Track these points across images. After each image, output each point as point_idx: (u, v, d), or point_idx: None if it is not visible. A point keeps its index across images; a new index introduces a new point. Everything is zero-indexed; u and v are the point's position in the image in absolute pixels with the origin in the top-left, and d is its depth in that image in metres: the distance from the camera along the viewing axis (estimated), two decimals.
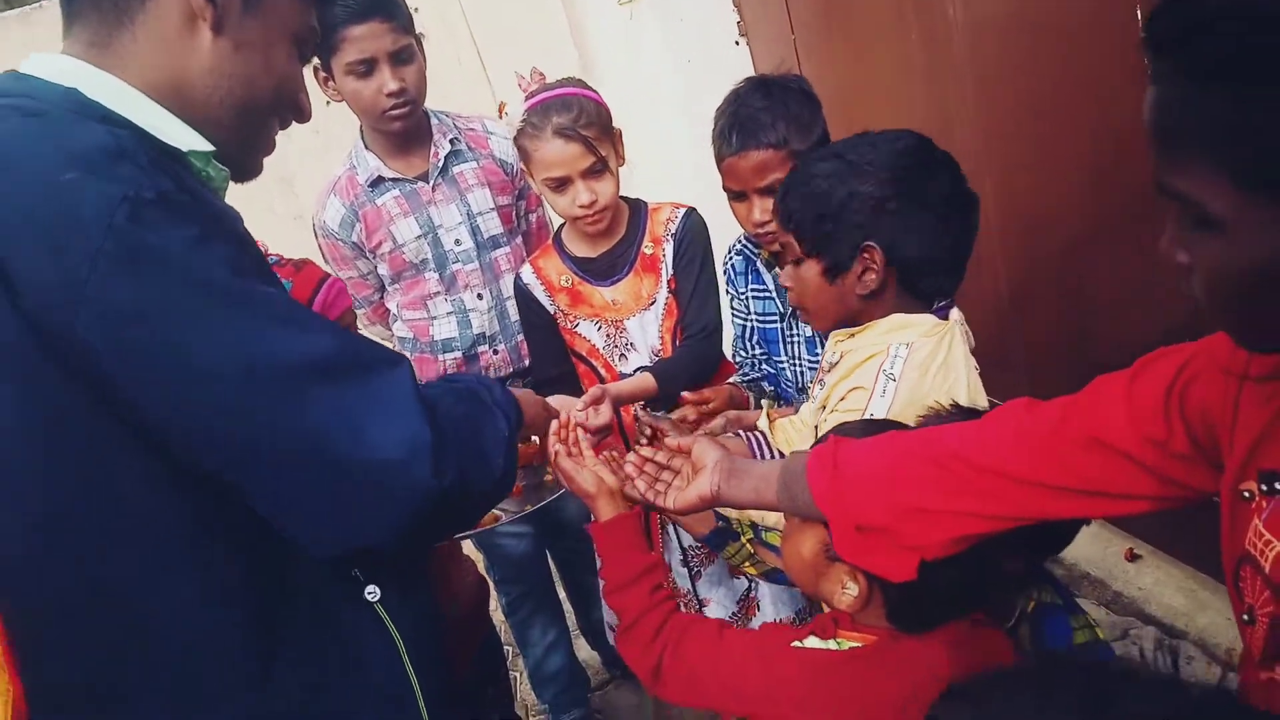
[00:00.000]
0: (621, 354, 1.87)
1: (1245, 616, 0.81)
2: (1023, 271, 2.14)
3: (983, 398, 1.31)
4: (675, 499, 1.15)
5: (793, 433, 1.48)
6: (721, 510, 1.37)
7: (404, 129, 1.97)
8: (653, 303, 1.83)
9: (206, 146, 0.94)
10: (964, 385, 1.29)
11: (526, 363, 2.19)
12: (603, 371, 1.88)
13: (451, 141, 2.05)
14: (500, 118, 1.82)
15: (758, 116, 1.52)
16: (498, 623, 2.84)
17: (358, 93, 1.88)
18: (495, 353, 2.14)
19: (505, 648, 2.76)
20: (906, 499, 0.96)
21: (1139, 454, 0.87)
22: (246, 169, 1.04)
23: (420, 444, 0.86)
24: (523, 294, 1.90)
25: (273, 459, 0.83)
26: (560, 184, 1.72)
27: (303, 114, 1.05)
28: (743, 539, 1.42)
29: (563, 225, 1.91)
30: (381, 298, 2.16)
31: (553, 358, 1.92)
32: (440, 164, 2.02)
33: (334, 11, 1.81)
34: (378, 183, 2.00)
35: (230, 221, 0.90)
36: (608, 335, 1.86)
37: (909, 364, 1.26)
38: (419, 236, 2.02)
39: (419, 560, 1.11)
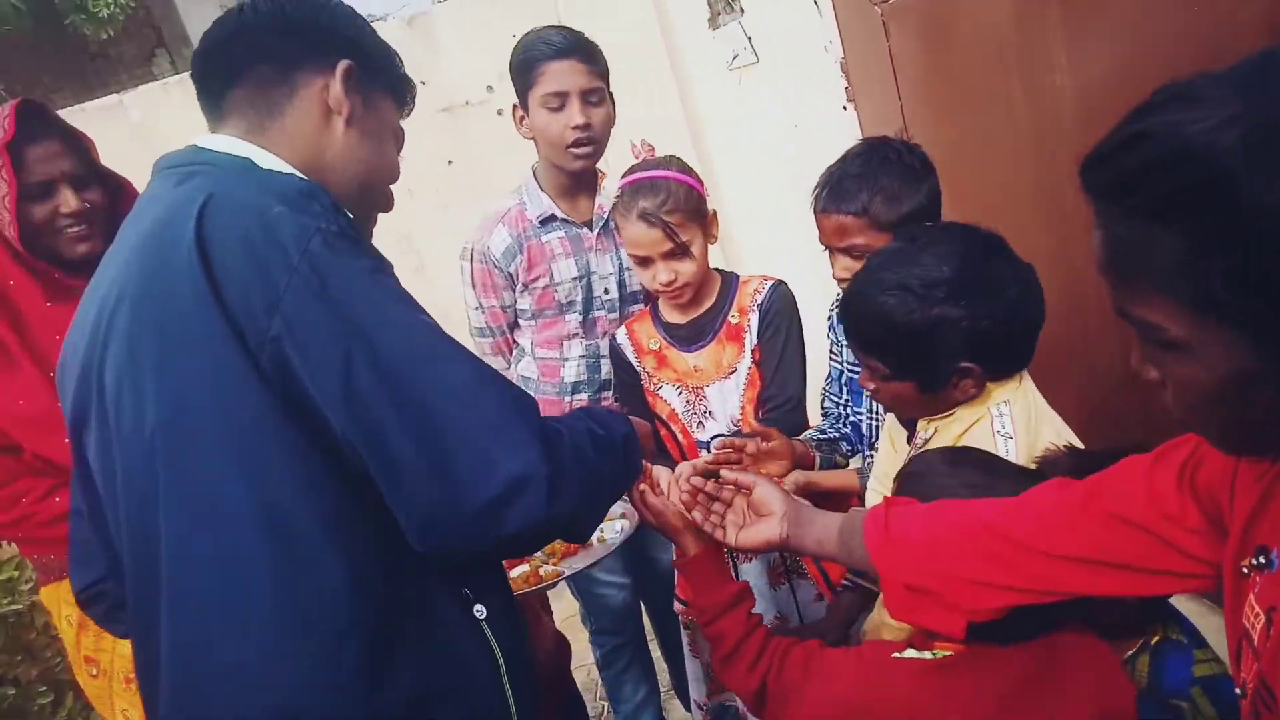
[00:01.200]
0: (699, 421, 1.91)
1: (1238, 690, 0.82)
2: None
3: (1072, 436, 1.34)
4: (739, 537, 1.25)
5: None
6: None
7: (584, 169, 2.08)
8: (733, 371, 1.87)
9: (349, 213, 1.12)
10: (1060, 426, 1.34)
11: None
12: (680, 437, 1.93)
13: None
14: (600, 186, 1.91)
15: (846, 182, 1.58)
16: (589, 679, 2.86)
17: (548, 125, 2.00)
18: (617, 400, 2.22)
19: (601, 703, 2.78)
20: (948, 567, 1.01)
21: (1158, 529, 0.90)
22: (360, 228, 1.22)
23: (537, 476, 0.95)
24: (615, 353, 2.00)
25: (406, 456, 0.93)
26: (643, 261, 1.82)
27: (389, 204, 1.25)
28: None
29: None
30: (512, 333, 2.25)
31: (641, 414, 1.95)
32: (604, 217, 2.13)
33: (538, 48, 1.97)
34: (548, 220, 2.12)
35: (388, 264, 1.05)
36: (688, 401, 1.90)
37: (1016, 420, 1.31)
38: (575, 279, 2.13)
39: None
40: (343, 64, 1.13)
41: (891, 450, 1.51)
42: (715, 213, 1.88)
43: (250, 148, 1.08)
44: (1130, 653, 1.27)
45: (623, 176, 1.85)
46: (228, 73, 1.13)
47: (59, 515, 1.66)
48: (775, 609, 1.92)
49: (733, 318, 1.90)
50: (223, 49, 1.14)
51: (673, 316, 1.94)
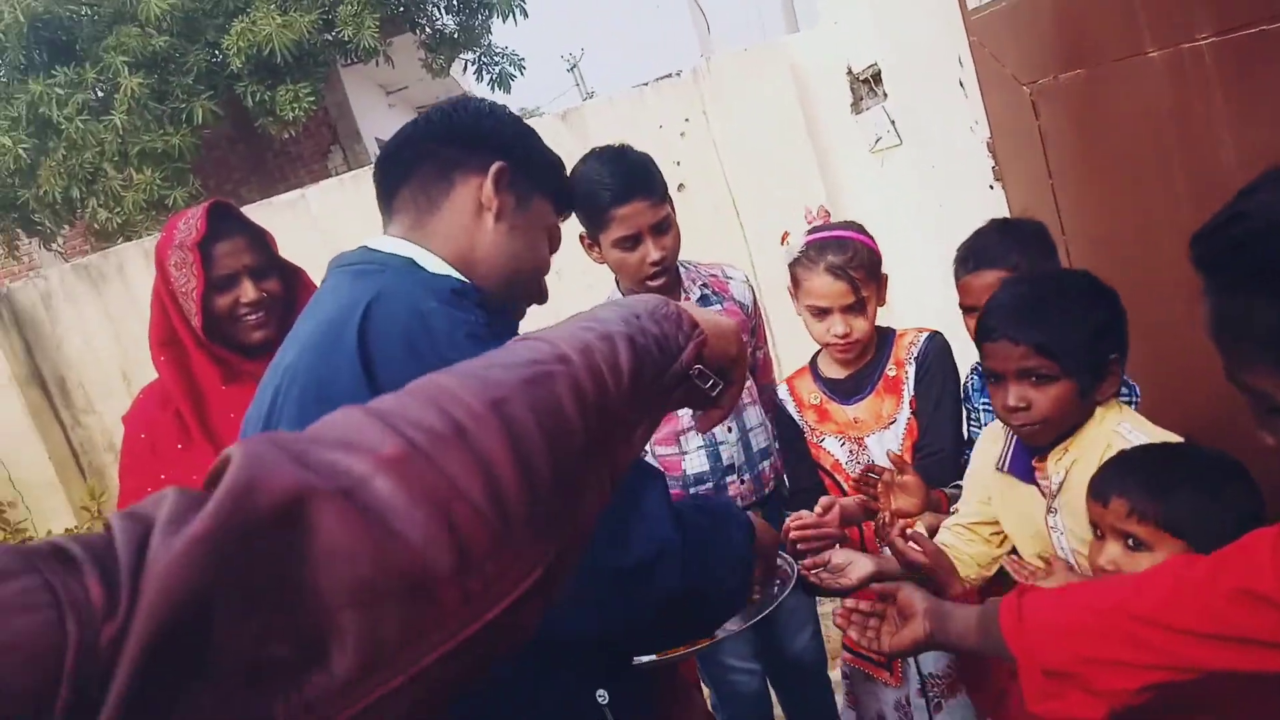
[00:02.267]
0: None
1: None
2: None
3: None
4: (889, 642, 1.30)
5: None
6: None
7: (660, 287, 2.14)
8: (893, 422, 1.93)
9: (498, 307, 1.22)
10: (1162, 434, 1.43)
11: (768, 490, 2.25)
12: (845, 485, 1.97)
13: (701, 288, 2.21)
14: (782, 244, 1.98)
15: (991, 242, 1.78)
16: None
17: (623, 261, 2.07)
18: (742, 482, 2.22)
19: None
20: (1085, 649, 1.01)
21: None
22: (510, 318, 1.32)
23: (670, 549, 0.98)
24: (779, 409, 2.09)
25: None
26: (821, 313, 1.90)
27: (544, 296, 1.33)
28: None
29: (820, 351, 2.07)
30: None
31: (806, 469, 2.06)
32: None
33: (601, 195, 2.03)
34: None
35: None
36: (850, 451, 1.96)
37: (1143, 432, 1.42)
38: None
39: (651, 679, 1.21)
40: (496, 165, 1.22)
41: (983, 497, 1.62)
42: (888, 276, 1.96)
43: (412, 247, 1.19)
44: None
45: (808, 233, 1.96)
46: (398, 174, 1.25)
47: None
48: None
49: (890, 370, 1.97)
50: (395, 153, 1.26)
51: (832, 371, 2.02)
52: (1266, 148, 1.90)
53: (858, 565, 1.57)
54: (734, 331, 1.00)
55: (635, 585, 0.96)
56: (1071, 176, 2.66)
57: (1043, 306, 1.43)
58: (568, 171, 1.38)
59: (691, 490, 2.20)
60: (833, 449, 1.99)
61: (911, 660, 1.90)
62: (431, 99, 14.10)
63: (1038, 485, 1.49)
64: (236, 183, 9.73)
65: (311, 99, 7.49)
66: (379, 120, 11.36)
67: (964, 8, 2.92)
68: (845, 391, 2.00)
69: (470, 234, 1.22)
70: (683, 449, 2.19)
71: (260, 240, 1.87)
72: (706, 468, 2.18)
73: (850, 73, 3.35)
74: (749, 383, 2.23)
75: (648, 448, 2.23)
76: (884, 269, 1.99)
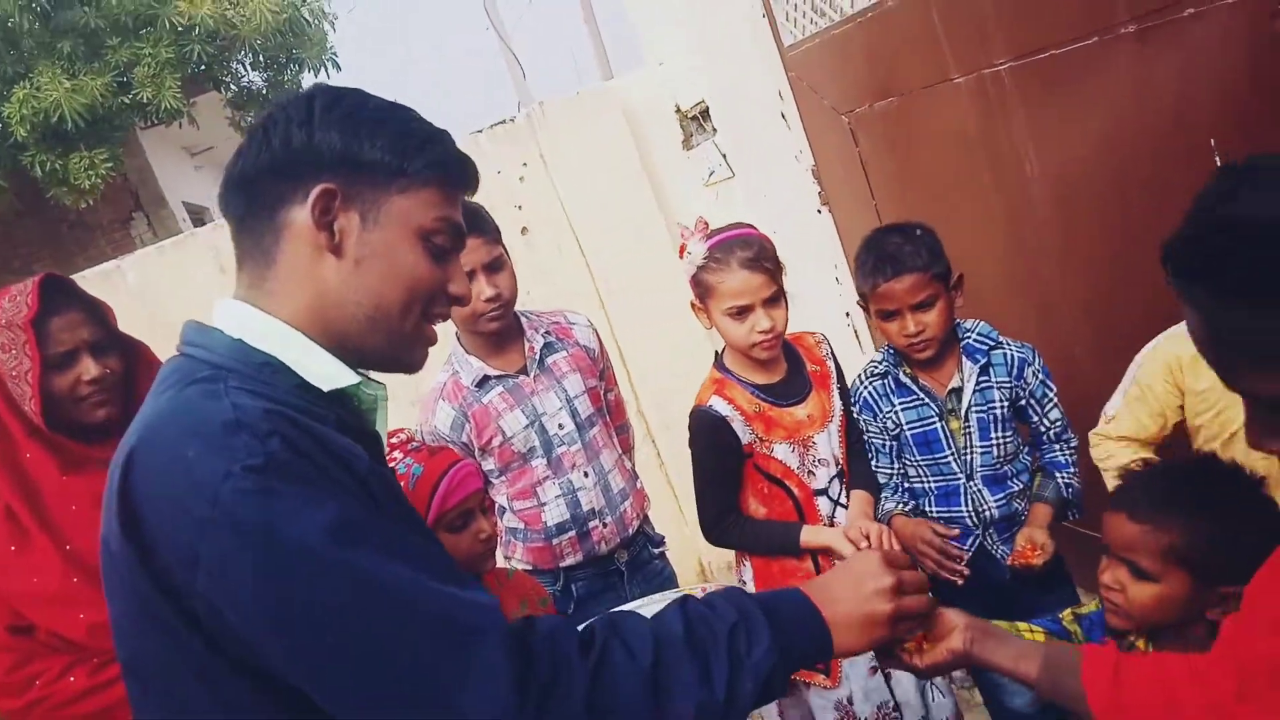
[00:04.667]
0: (810, 471, 1.95)
1: None
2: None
3: None
4: (925, 658, 1.21)
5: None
6: None
7: (499, 329, 2.11)
8: (833, 418, 1.98)
9: (348, 381, 1.01)
10: None
11: (631, 530, 2.24)
12: (796, 490, 1.95)
13: (544, 335, 2.19)
14: (681, 257, 1.95)
15: (904, 248, 1.83)
16: None
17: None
18: (605, 525, 2.19)
19: None
20: None
21: None
22: (405, 365, 1.08)
23: (507, 712, 0.84)
24: (715, 423, 1.91)
25: (368, 709, 0.86)
26: (742, 311, 1.86)
27: (458, 300, 1.08)
28: None
29: (720, 358, 2.01)
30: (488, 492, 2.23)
31: (730, 493, 1.97)
32: (537, 357, 2.15)
33: None
34: (483, 382, 2.11)
35: (352, 467, 0.92)
36: (800, 455, 1.94)
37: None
38: (526, 426, 2.12)
39: None
40: (315, 190, 0.97)
41: (1155, 410, 1.80)
42: (785, 265, 1.95)
43: (249, 317, 1.00)
44: None
45: (706, 240, 1.91)
46: (232, 224, 1.04)
47: (76, 695, 1.62)
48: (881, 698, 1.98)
49: (813, 369, 2.01)
50: (224, 199, 1.03)
51: (759, 378, 1.96)
52: (1064, 160, 2.10)
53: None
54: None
55: None
56: (892, 197, 2.84)
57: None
58: (451, 143, 1.07)
59: (555, 542, 2.17)
60: (783, 456, 1.93)
61: (845, 662, 1.90)
62: None
63: None
64: (26, 258, 8.96)
65: (109, 165, 7.02)
66: (185, 183, 10.78)
67: (780, 44, 3.09)
68: (784, 394, 1.96)
69: (312, 283, 0.99)
70: (540, 500, 2.16)
71: (98, 314, 1.72)
72: (567, 516, 2.15)
73: (679, 110, 3.46)
74: (599, 427, 2.23)
75: (505, 503, 2.18)
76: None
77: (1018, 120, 2.15)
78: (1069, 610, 1.55)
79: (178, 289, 3.05)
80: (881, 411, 1.99)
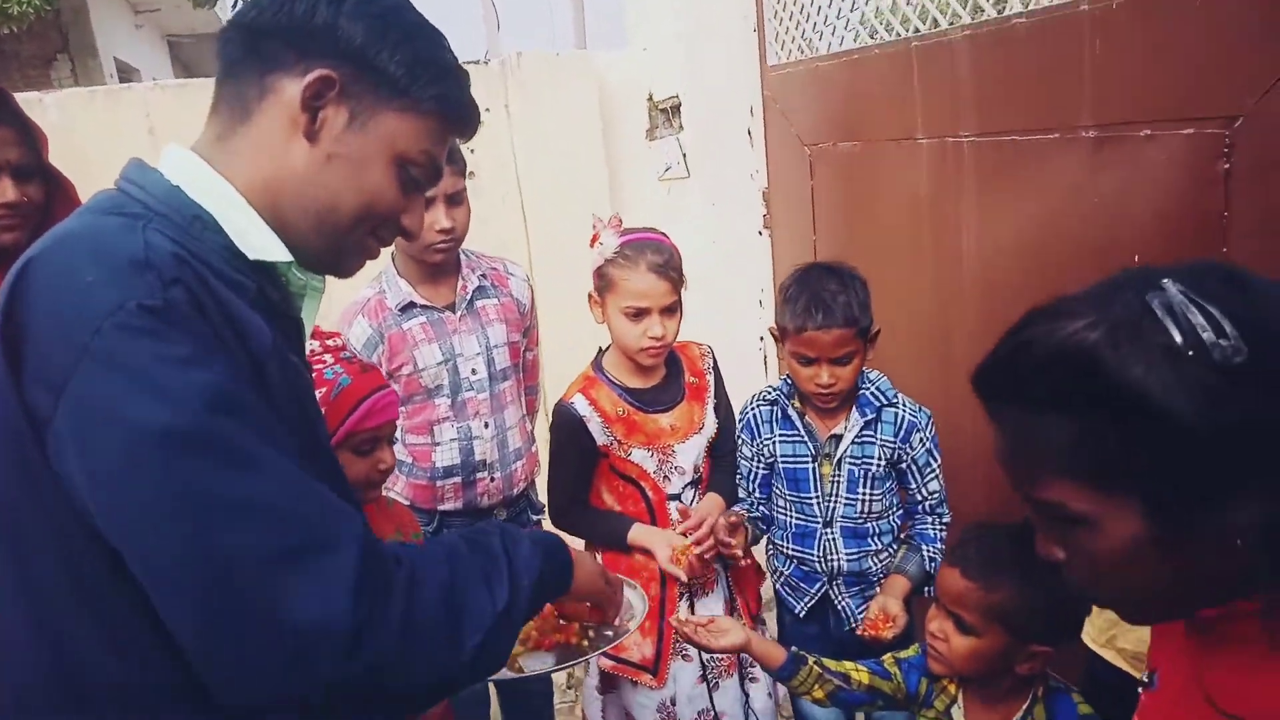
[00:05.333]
0: (666, 476, 2.01)
1: None
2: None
3: None
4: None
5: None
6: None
7: (444, 262, 2.09)
8: (702, 428, 2.02)
9: (282, 257, 0.98)
10: None
11: (516, 490, 2.25)
12: (650, 493, 2.01)
13: (480, 278, 2.18)
14: (592, 246, 1.96)
15: (836, 299, 1.83)
16: None
17: None
18: (492, 480, 2.20)
19: None
20: None
21: None
22: (336, 270, 1.06)
23: (337, 627, 0.81)
24: (572, 422, 1.96)
25: (195, 598, 0.80)
26: (639, 314, 1.89)
27: (407, 234, 1.08)
28: (810, 663, 1.63)
29: (601, 355, 2.05)
30: None
31: (581, 486, 2.03)
32: (468, 297, 2.14)
33: None
34: (408, 308, 2.10)
35: (250, 344, 0.90)
36: (658, 460, 1.99)
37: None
38: (440, 363, 2.11)
39: None
40: (315, 73, 0.95)
41: None
42: (686, 280, 2.00)
43: (196, 170, 0.97)
44: (1024, 707, 1.46)
45: (619, 235, 1.94)
46: (221, 67, 1.01)
47: None
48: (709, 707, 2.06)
49: (691, 380, 2.05)
50: (225, 39, 1.00)
51: (634, 381, 2.00)
52: (1000, 241, 2.20)
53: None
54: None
55: (293, 653, 0.81)
56: (834, 236, 2.93)
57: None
58: (466, 87, 1.06)
59: (440, 484, 2.16)
60: (640, 460, 1.98)
61: (692, 651, 1.99)
62: (186, 29, 12.87)
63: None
64: None
65: None
66: (120, 40, 10.20)
67: (764, 61, 3.14)
68: (652, 401, 2.00)
69: (276, 158, 0.97)
70: (435, 440, 2.14)
71: (30, 137, 1.62)
72: (458, 462, 2.15)
73: (651, 99, 3.47)
74: (510, 382, 2.23)
75: (399, 434, 2.15)
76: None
77: (968, 192, 2.25)
78: (889, 654, 1.66)
79: (101, 139, 2.89)
80: (760, 437, 2.03)
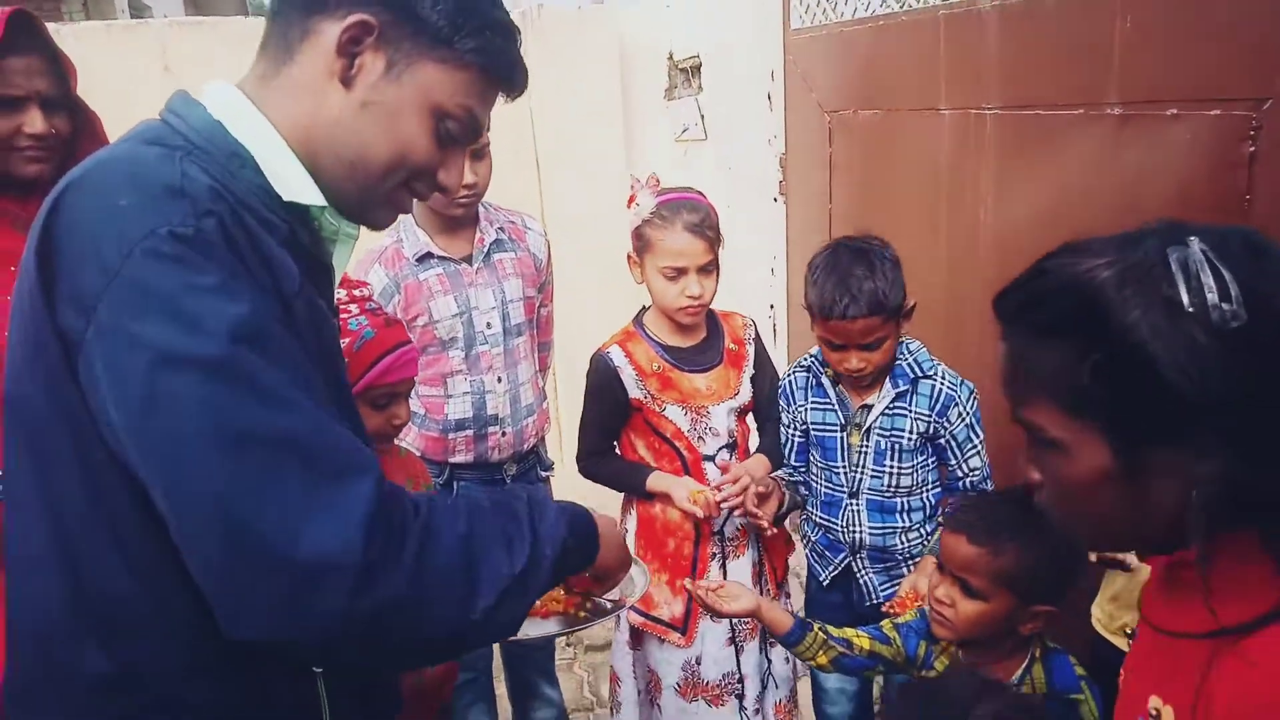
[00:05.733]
0: (700, 437, 2.04)
1: None
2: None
3: None
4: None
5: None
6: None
7: (464, 215, 2.09)
8: (737, 393, 2.05)
9: (315, 201, 0.98)
10: None
11: (526, 447, 2.27)
12: (685, 453, 2.04)
13: (498, 231, 2.18)
14: (629, 207, 1.97)
15: (863, 286, 1.78)
16: None
17: None
18: (503, 435, 2.21)
19: None
20: None
21: None
22: (366, 221, 1.06)
23: (347, 560, 0.81)
24: (606, 372, 2.01)
25: (208, 526, 0.81)
26: (677, 273, 1.92)
27: (444, 189, 1.07)
28: (815, 629, 1.65)
29: (643, 312, 2.08)
30: None
31: (610, 433, 2.10)
32: (485, 250, 2.15)
33: None
34: (425, 258, 2.10)
35: (280, 283, 0.91)
36: (692, 420, 2.02)
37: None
38: (455, 315, 2.11)
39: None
40: (353, 17, 0.94)
41: None
42: (723, 239, 2.02)
43: (240, 107, 0.97)
44: (1023, 666, 1.50)
45: (656, 194, 1.95)
46: (271, 3, 1.01)
47: None
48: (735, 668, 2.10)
49: (731, 346, 2.08)
50: None
51: (672, 339, 2.03)
52: (1018, 215, 2.19)
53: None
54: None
55: (301, 587, 0.80)
56: (849, 204, 2.91)
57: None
58: (513, 41, 1.04)
59: (452, 436, 2.17)
60: (675, 417, 2.01)
61: (713, 618, 2.00)
62: None
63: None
64: None
65: None
66: None
67: (787, 24, 3.10)
68: (689, 360, 2.02)
69: (312, 102, 0.96)
70: (448, 392, 2.15)
71: (60, 68, 1.61)
72: (470, 415, 2.16)
73: (671, 58, 3.44)
74: (524, 337, 2.24)
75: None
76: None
77: (988, 165, 2.23)
78: (888, 620, 1.68)
79: (115, 73, 2.88)
80: (794, 404, 2.04)
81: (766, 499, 1.95)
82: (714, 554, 2.05)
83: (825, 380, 1.98)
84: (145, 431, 0.81)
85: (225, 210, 0.87)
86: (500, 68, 1.03)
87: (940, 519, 1.95)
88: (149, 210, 0.82)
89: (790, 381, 2.06)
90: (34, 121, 1.56)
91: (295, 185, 0.97)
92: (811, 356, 2.05)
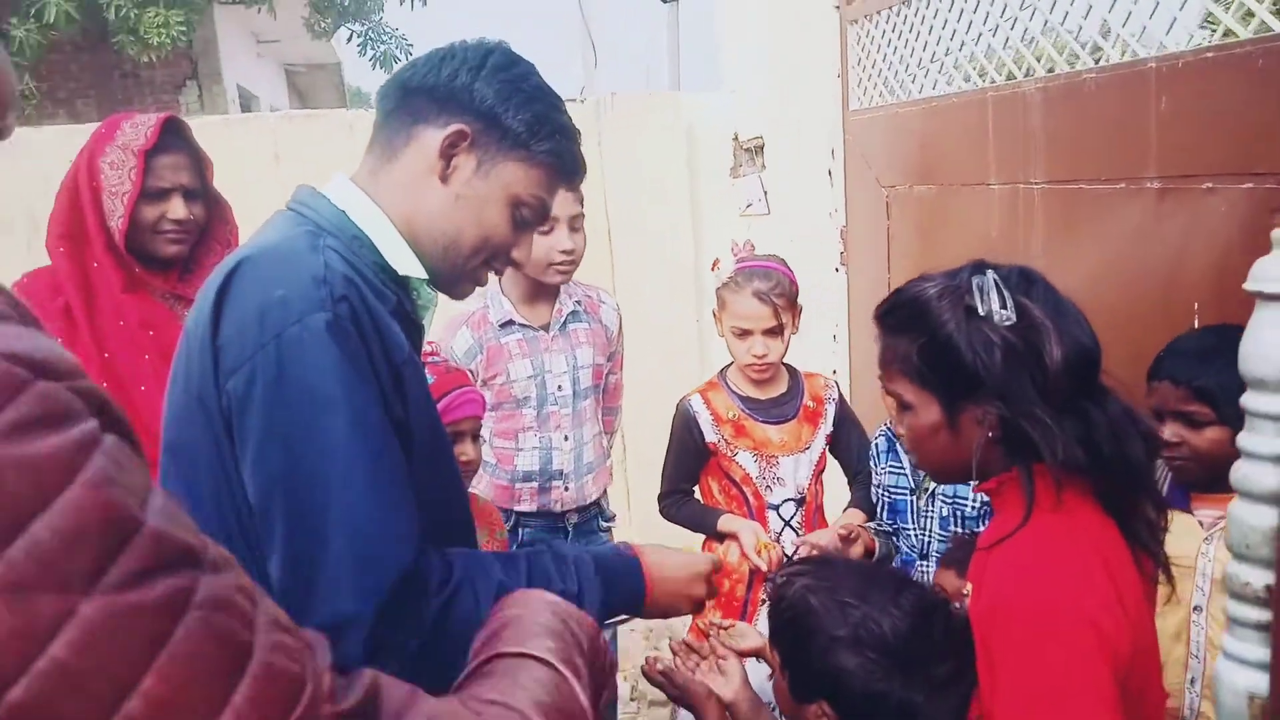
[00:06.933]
0: (769, 486, 2.18)
1: None
2: None
3: None
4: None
5: None
6: None
7: (560, 283, 2.28)
8: (808, 448, 2.19)
9: (421, 274, 1.18)
10: None
11: (588, 500, 2.40)
12: (752, 499, 2.19)
13: (575, 303, 2.36)
14: (713, 270, 2.18)
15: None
16: None
17: (535, 243, 2.16)
18: (566, 489, 2.35)
19: None
20: None
21: None
22: (453, 292, 1.27)
23: (359, 622, 0.95)
24: (686, 416, 2.23)
25: (283, 558, 0.98)
26: (744, 334, 2.10)
27: (517, 264, 1.28)
28: None
29: (728, 366, 2.26)
30: None
31: (687, 476, 2.27)
32: (562, 320, 2.32)
33: None
34: (507, 324, 2.29)
35: (391, 354, 1.07)
36: (761, 468, 2.17)
37: None
38: (530, 377, 2.29)
39: None
40: (453, 127, 1.13)
41: None
42: (802, 307, 2.21)
43: (358, 197, 1.16)
44: None
45: (738, 261, 2.18)
46: (380, 114, 1.20)
47: None
48: None
49: (809, 404, 2.24)
50: (385, 92, 1.20)
51: (750, 391, 2.21)
52: (1065, 284, 2.27)
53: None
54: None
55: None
56: (907, 274, 2.98)
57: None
58: (577, 143, 1.24)
59: (517, 486, 2.32)
60: (745, 463, 2.17)
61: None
62: (302, 59, 13.62)
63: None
64: (72, 91, 9.05)
65: (182, 28, 7.14)
66: (244, 67, 10.87)
67: (845, 106, 3.26)
68: (764, 411, 2.20)
69: (415, 194, 1.16)
70: (519, 445, 2.32)
71: (200, 164, 1.88)
72: (536, 468, 2.31)
73: (736, 139, 3.63)
74: (591, 400, 2.39)
75: (488, 435, 2.33)
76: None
77: (1037, 236, 2.33)
78: None
79: (231, 163, 3.16)
80: (879, 465, 2.16)
81: (851, 543, 2.04)
82: (763, 600, 2.14)
83: (900, 446, 2.08)
84: (255, 474, 0.99)
85: (355, 295, 1.04)
86: (567, 166, 1.23)
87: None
88: (297, 300, 1.00)
89: (875, 444, 2.18)
90: (176, 209, 1.81)
91: (405, 262, 1.17)
92: (887, 423, 2.14)
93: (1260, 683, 0.52)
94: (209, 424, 1.03)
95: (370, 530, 0.99)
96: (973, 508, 1.97)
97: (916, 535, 2.05)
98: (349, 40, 10.07)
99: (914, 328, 1.18)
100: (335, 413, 0.98)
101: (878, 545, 2.10)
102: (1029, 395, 1.12)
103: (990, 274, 1.16)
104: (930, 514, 2.02)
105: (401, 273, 1.16)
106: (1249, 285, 0.55)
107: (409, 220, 1.17)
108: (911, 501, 2.05)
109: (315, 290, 1.01)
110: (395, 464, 1.03)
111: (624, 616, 1.44)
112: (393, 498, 1.02)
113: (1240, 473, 0.58)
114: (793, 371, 2.28)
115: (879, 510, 2.16)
